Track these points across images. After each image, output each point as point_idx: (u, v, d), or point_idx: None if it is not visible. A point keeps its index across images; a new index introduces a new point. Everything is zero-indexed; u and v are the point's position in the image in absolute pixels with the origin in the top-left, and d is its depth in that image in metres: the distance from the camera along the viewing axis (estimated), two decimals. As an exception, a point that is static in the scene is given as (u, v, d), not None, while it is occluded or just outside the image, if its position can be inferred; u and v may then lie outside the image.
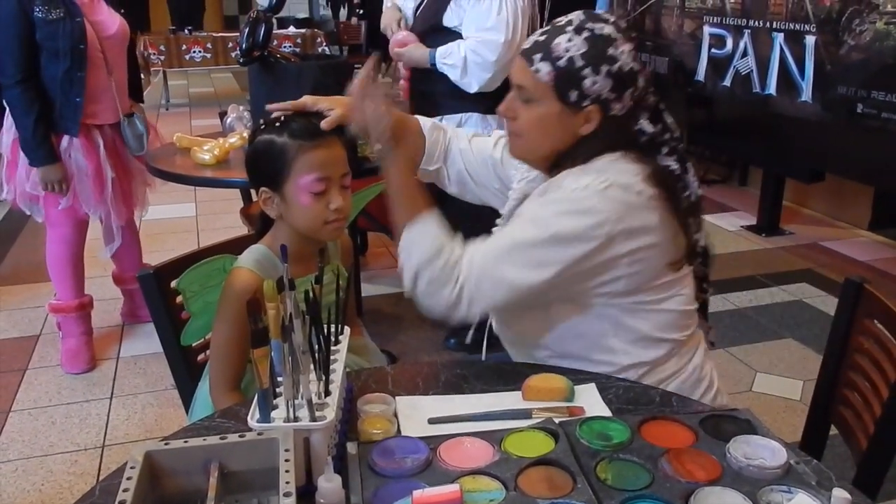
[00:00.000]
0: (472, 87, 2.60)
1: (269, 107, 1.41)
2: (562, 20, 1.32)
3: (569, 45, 1.27)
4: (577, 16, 1.31)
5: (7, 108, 2.59)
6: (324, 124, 1.36)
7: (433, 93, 2.70)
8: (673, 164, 1.32)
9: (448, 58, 2.59)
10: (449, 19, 2.61)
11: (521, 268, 1.25)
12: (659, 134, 1.32)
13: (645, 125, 1.32)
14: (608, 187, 1.24)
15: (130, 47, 2.90)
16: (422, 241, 1.28)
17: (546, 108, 1.30)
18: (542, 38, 1.31)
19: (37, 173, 2.62)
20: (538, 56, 1.29)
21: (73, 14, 2.54)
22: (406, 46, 2.69)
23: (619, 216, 1.24)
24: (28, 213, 2.83)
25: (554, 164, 1.35)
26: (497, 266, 1.25)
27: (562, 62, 1.27)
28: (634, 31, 1.31)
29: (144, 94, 3.15)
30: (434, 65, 2.63)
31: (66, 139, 2.65)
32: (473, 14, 2.56)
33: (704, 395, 1.39)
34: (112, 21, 2.71)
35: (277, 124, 1.35)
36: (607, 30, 1.28)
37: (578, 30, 1.28)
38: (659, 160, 1.31)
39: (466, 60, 2.56)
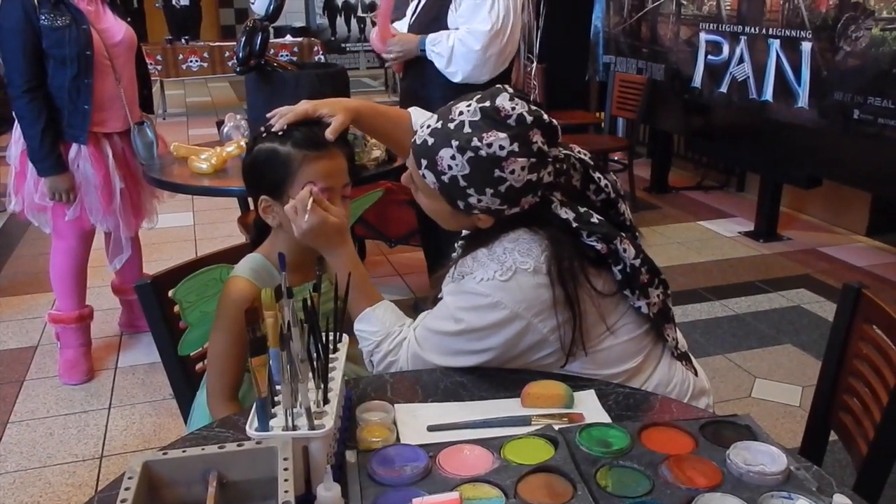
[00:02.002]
0: (457, 76, 2.64)
1: (269, 115, 1.40)
2: (455, 113, 1.22)
3: (452, 162, 1.20)
4: (469, 117, 1.20)
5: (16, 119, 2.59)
6: (329, 134, 1.35)
7: (429, 98, 2.71)
8: (597, 245, 1.24)
9: (437, 45, 2.63)
10: (453, 21, 2.64)
11: (443, 355, 1.31)
12: (577, 218, 1.24)
13: (558, 211, 1.25)
14: (511, 277, 1.22)
15: (140, 57, 2.90)
16: (370, 328, 1.34)
17: (439, 204, 1.28)
18: (431, 139, 1.22)
19: (45, 183, 2.62)
20: (424, 162, 1.23)
21: (78, 21, 2.54)
22: (393, 37, 2.73)
23: (528, 304, 1.23)
24: (36, 224, 2.81)
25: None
26: (425, 352, 1.31)
27: (445, 178, 1.22)
28: (546, 119, 1.22)
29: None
30: (424, 51, 2.67)
31: (74, 148, 2.65)
32: (466, 6, 2.59)
33: None
34: (118, 28, 2.71)
35: (280, 133, 1.35)
36: (497, 145, 1.17)
37: (462, 149, 1.18)
38: (583, 240, 1.24)
39: (453, 49, 2.59)
